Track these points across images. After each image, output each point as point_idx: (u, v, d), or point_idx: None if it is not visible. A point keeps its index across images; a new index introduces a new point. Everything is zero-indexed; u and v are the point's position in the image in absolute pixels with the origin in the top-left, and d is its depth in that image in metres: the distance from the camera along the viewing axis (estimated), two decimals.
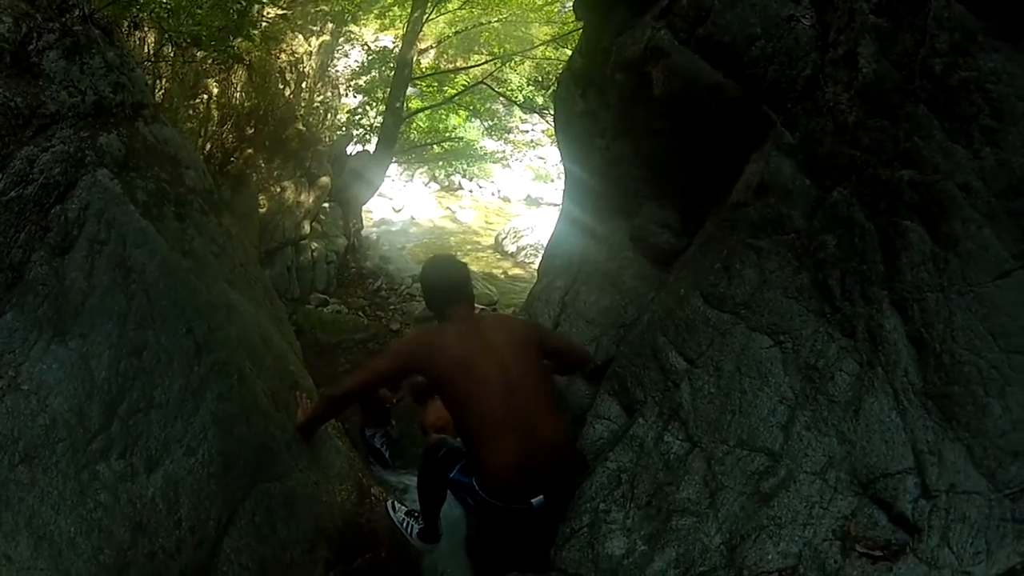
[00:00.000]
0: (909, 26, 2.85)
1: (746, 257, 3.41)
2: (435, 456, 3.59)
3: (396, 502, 4.03)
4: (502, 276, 16.79)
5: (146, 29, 6.00)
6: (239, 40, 6.61)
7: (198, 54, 6.50)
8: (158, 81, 6.56)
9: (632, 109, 4.39)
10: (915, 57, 2.81)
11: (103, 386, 2.81)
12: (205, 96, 7.85)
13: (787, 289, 3.22)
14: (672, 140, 4.18)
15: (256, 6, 7.93)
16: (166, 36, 5.97)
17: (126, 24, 5.65)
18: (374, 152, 15.29)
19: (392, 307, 13.51)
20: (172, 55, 6.22)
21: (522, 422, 3.22)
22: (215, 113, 8.23)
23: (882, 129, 2.96)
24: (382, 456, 5.72)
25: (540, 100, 19.16)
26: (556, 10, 15.93)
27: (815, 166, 3.27)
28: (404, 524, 3.84)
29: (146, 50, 6.09)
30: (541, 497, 3.23)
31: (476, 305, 3.99)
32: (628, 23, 4.38)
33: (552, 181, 23.78)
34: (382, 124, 14.85)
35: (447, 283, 3.51)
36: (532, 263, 17.51)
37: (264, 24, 8.40)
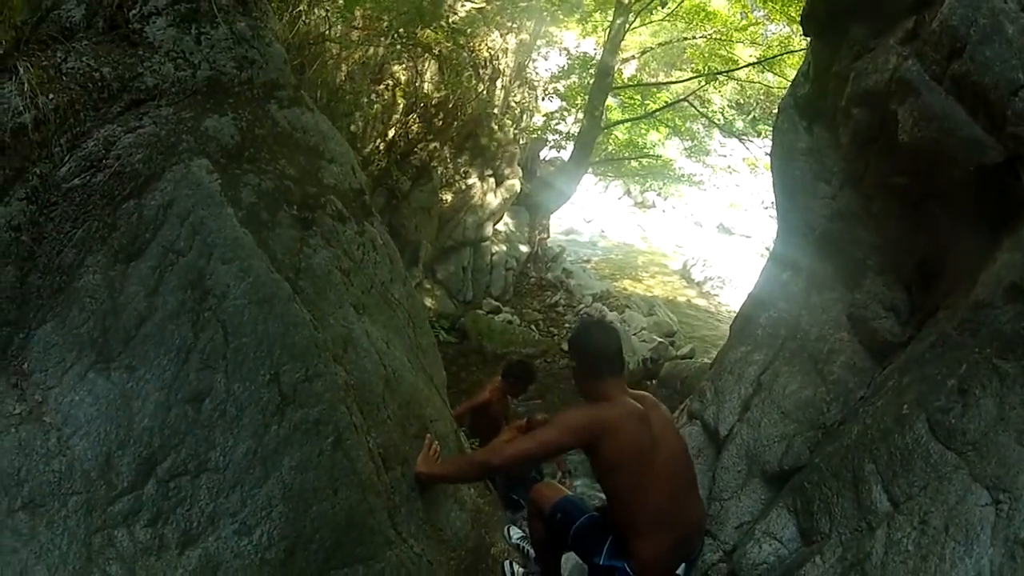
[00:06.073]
0: None
1: (988, 382, 2.75)
2: (567, 528, 3.36)
3: (515, 564, 3.78)
4: (685, 304, 15.86)
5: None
6: (423, 31, 6.13)
7: (382, 40, 6.07)
8: (342, 63, 6.20)
9: (867, 154, 3.83)
10: None
11: (142, 436, 2.23)
12: (390, 82, 7.48)
13: (1023, 435, 2.58)
14: (913, 202, 3.54)
15: None
16: (338, 16, 5.57)
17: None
18: (569, 160, 14.86)
19: (567, 325, 12.88)
20: (353, 38, 5.80)
21: (680, 513, 3.16)
22: (400, 101, 7.88)
23: None
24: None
25: (740, 125, 18.05)
26: (759, 32, 15.45)
27: None
28: None
29: (324, 30, 5.74)
30: (683, 566, 3.23)
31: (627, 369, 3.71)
32: (867, 45, 3.72)
33: (746, 211, 22.86)
34: (579, 132, 14.36)
35: (606, 353, 3.20)
36: (717, 295, 16.65)
37: (456, 16, 7.98)
